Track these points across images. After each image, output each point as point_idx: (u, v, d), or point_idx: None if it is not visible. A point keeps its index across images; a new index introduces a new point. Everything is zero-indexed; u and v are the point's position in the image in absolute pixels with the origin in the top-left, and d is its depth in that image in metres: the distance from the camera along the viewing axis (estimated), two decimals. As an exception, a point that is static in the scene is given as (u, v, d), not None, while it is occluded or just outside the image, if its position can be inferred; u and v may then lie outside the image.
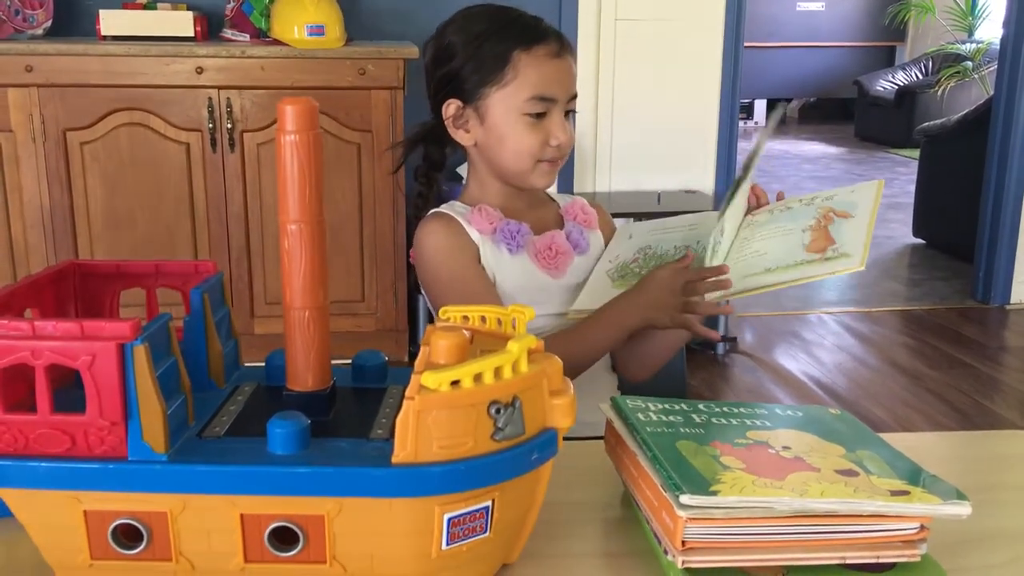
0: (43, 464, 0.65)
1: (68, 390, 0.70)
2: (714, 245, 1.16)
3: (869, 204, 1.15)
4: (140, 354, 0.63)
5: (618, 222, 1.44)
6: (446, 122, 1.29)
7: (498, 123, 1.26)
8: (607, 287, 1.27)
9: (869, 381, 3.13)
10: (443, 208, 1.32)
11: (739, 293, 1.14)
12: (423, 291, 1.33)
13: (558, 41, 1.27)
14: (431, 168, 1.36)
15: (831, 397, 2.98)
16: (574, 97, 1.29)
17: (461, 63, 1.26)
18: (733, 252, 1.18)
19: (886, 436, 0.86)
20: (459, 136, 1.30)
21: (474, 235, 1.28)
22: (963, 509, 0.71)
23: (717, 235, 1.16)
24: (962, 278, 4.18)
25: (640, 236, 1.34)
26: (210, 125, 2.86)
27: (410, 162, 1.42)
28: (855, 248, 1.09)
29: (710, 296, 1.15)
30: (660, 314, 1.17)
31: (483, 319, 0.78)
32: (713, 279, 1.14)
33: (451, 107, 1.28)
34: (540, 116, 1.25)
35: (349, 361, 0.82)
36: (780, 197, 1.28)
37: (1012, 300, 3.88)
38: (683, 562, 0.69)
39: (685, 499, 0.69)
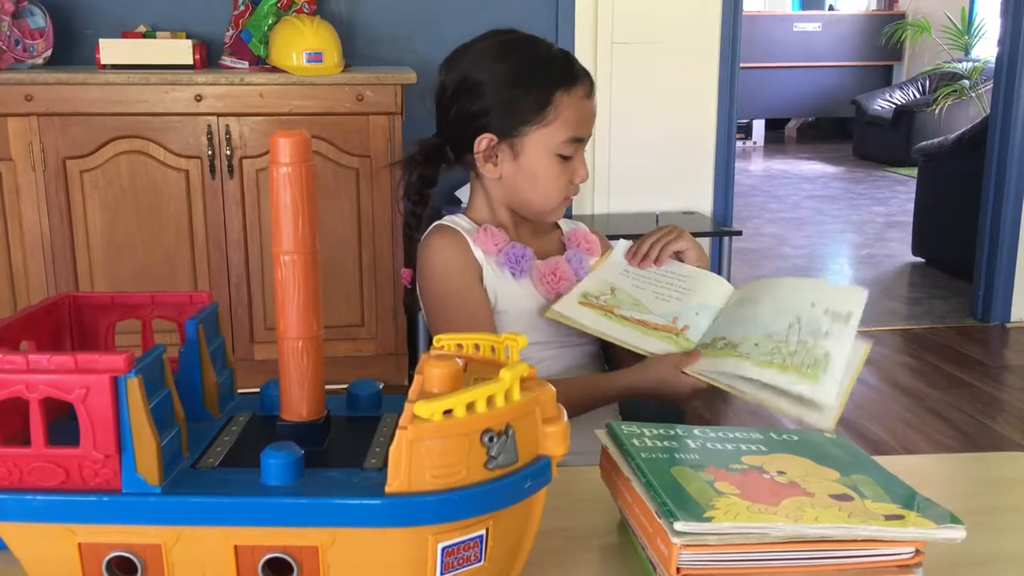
0: (38, 497, 0.65)
1: (62, 422, 0.70)
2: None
3: (856, 360, 1.16)
4: (134, 387, 0.64)
5: (617, 244, 1.43)
6: (476, 156, 1.29)
7: (532, 162, 1.27)
8: (574, 302, 1.26)
9: (870, 401, 3.13)
10: (447, 221, 1.32)
11: (713, 379, 1.14)
12: (420, 300, 1.33)
13: (589, 81, 1.29)
14: (424, 186, 1.36)
15: (832, 417, 2.96)
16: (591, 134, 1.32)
17: (501, 99, 1.26)
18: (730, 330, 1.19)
19: (887, 458, 0.86)
20: (487, 169, 1.30)
21: (479, 254, 1.29)
22: (957, 533, 0.71)
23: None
24: (962, 296, 4.18)
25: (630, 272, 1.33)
26: (209, 152, 2.88)
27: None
28: (830, 403, 1.09)
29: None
30: (657, 395, 1.19)
31: (477, 347, 0.78)
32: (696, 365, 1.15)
33: (484, 142, 1.28)
34: (569, 157, 1.28)
35: (347, 386, 0.82)
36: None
37: (1012, 318, 3.88)
38: (678, 589, 0.69)
39: (679, 526, 0.69)
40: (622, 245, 1.37)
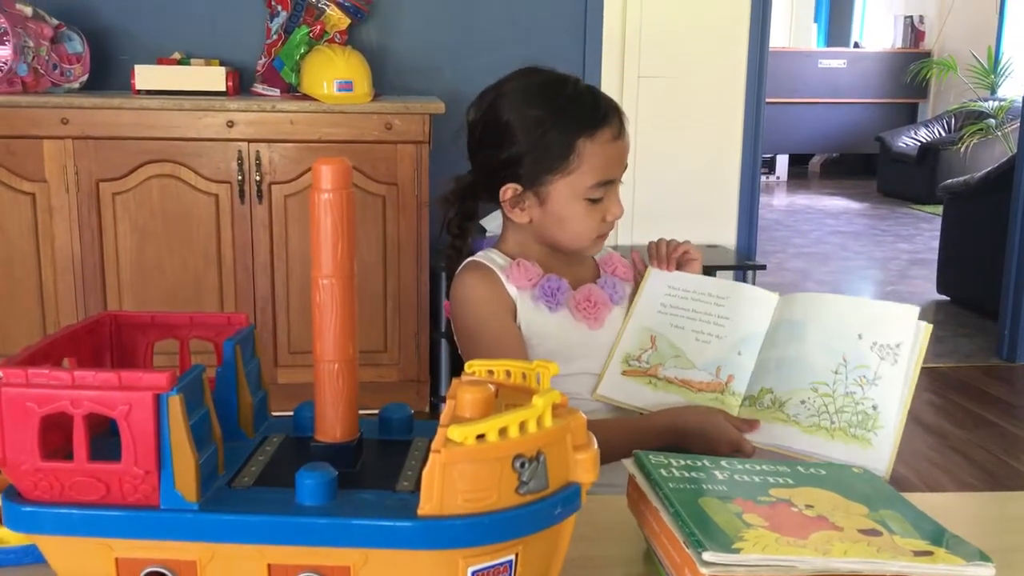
0: (77, 512, 0.66)
1: (99, 438, 0.71)
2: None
3: (912, 372, 1.13)
4: (175, 404, 0.65)
5: (649, 274, 1.43)
6: (503, 204, 1.29)
7: (559, 208, 1.26)
8: (617, 374, 1.28)
9: (893, 439, 3.09)
10: (481, 257, 1.33)
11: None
12: (456, 339, 1.34)
13: (618, 120, 1.27)
14: (464, 220, 1.37)
15: (855, 454, 2.94)
16: (625, 168, 1.30)
17: (524, 150, 1.25)
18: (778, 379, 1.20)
19: (911, 496, 0.86)
20: (514, 215, 1.30)
21: (512, 290, 1.28)
22: (987, 571, 0.71)
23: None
24: (986, 335, 4.14)
25: (661, 317, 1.33)
26: (239, 177, 2.91)
27: (435, 215, 1.44)
28: (883, 461, 1.09)
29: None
30: (699, 437, 1.19)
31: (508, 373, 0.79)
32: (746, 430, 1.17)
33: (509, 191, 1.28)
34: (598, 199, 1.27)
35: (373, 411, 0.83)
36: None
37: (1038, 358, 3.85)
38: (705, 619, 0.69)
39: (708, 556, 0.69)
40: (655, 275, 1.39)
